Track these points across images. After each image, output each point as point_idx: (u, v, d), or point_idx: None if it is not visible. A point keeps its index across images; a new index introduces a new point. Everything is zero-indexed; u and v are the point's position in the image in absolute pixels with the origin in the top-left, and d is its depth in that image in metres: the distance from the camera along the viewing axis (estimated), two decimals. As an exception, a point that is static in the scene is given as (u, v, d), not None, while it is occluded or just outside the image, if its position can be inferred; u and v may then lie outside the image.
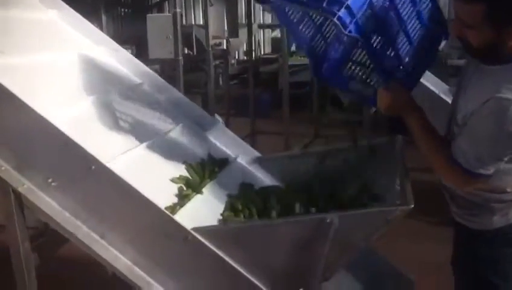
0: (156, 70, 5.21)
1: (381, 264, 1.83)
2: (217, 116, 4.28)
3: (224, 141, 2.11)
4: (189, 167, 1.82)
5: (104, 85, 1.96)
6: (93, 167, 1.42)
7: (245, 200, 1.71)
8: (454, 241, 1.65)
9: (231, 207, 1.68)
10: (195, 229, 1.39)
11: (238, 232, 1.40)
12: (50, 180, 1.47)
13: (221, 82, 7.42)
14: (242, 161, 2.05)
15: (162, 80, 2.19)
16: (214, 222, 1.62)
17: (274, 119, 5.93)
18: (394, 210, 1.26)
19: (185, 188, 1.71)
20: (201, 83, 6.48)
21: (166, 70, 5.08)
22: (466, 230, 1.55)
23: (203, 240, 1.39)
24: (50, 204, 1.48)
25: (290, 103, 5.54)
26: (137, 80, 2.13)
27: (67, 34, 2.08)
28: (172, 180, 1.73)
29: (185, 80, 7.00)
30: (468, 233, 1.55)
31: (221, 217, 1.66)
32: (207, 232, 1.38)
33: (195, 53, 7.12)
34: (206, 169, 1.83)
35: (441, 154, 1.44)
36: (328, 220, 1.26)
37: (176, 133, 1.98)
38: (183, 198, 1.65)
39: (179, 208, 1.57)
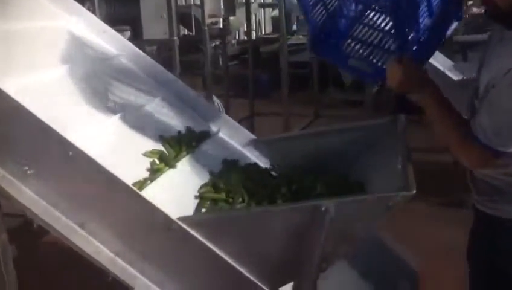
0: (152, 51, 5.12)
1: (381, 250, 1.72)
2: (215, 98, 4.18)
3: (208, 116, 1.99)
4: (164, 141, 1.71)
5: (79, 56, 1.85)
6: (70, 153, 1.32)
7: (228, 178, 1.61)
8: (471, 231, 1.52)
9: (212, 185, 1.58)
10: (181, 218, 1.29)
11: (226, 221, 1.30)
12: (26, 168, 1.37)
13: (221, 62, 7.27)
14: (225, 135, 1.94)
15: (143, 54, 2.06)
16: (188, 198, 1.52)
17: (275, 100, 5.80)
18: (395, 196, 1.15)
19: (157, 162, 1.60)
20: (201, 64, 6.35)
21: (162, 51, 4.95)
22: (486, 218, 1.42)
23: (188, 229, 1.29)
24: (27, 194, 1.38)
25: (290, 83, 5.39)
26: (115, 52, 2.01)
27: (46, 8, 1.96)
28: (145, 155, 1.61)
29: (185, 61, 6.89)
30: (488, 221, 1.42)
31: (197, 194, 1.56)
32: (192, 221, 1.29)
33: (194, 33, 6.96)
34: (182, 143, 1.71)
35: (458, 131, 1.32)
36: (323, 208, 1.15)
37: (154, 106, 1.87)
38: (154, 172, 1.55)
39: (149, 183, 1.47)
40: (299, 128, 4.49)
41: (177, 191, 1.54)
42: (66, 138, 1.31)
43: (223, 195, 1.55)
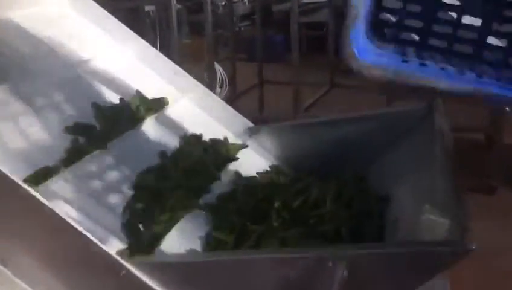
0: (151, 12, 4.67)
1: None
2: (217, 66, 3.76)
3: (175, 82, 1.55)
4: (98, 110, 1.28)
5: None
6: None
7: (184, 160, 1.22)
8: None
9: (159, 170, 1.17)
10: (134, 261, 0.92)
11: (191, 268, 0.92)
12: None
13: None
14: (192, 102, 1.52)
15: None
16: (118, 191, 1.13)
17: (288, 64, 5.36)
18: (444, 253, 0.75)
19: (82, 141, 1.19)
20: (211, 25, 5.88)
21: (162, 11, 4.51)
22: None
23: (142, 277, 0.92)
24: None
25: (306, 46, 4.89)
26: None
27: None
28: (66, 130, 1.20)
29: (193, 22, 6.41)
30: None
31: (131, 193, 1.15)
32: (147, 266, 0.91)
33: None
34: (123, 113, 1.30)
35: None
36: (330, 264, 0.76)
37: (93, 66, 1.43)
38: (73, 156, 1.13)
39: (62, 171, 1.07)
40: (313, 99, 4.06)
41: (103, 181, 1.14)
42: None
43: (168, 184, 1.15)
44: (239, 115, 1.55)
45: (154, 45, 4.19)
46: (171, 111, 1.45)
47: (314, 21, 6.18)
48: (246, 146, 1.45)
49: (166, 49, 4.00)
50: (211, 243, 1.10)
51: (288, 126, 1.62)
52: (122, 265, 0.93)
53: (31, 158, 1.05)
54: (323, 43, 5.97)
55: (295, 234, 1.08)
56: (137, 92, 1.41)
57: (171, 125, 1.40)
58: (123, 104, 1.35)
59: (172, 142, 1.35)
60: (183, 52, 4.21)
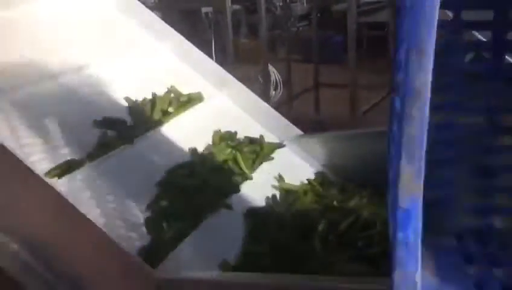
0: (209, 13, 4.67)
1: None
2: (271, 68, 3.70)
3: (215, 80, 1.50)
4: (132, 104, 1.25)
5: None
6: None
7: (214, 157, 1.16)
8: None
9: (189, 167, 1.12)
10: (169, 281, 0.87)
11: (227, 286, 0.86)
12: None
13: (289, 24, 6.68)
14: (230, 99, 1.45)
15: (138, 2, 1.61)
16: (144, 187, 1.09)
17: (346, 65, 5.22)
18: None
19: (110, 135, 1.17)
20: (269, 26, 5.85)
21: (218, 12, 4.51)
22: None
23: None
24: None
25: (367, 47, 4.72)
26: None
27: None
28: (95, 124, 1.17)
29: (250, 23, 6.40)
30: None
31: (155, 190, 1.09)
32: (181, 283, 0.86)
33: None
34: (155, 106, 1.25)
35: None
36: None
37: (127, 64, 1.41)
38: (99, 150, 1.10)
39: (86, 165, 1.04)
40: (369, 104, 3.92)
41: (127, 177, 1.09)
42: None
43: (195, 182, 1.10)
44: (281, 117, 1.48)
45: (210, 45, 4.19)
46: (207, 107, 1.40)
47: (375, 21, 5.99)
48: (283, 145, 1.38)
49: (222, 50, 3.99)
50: (244, 254, 1.04)
51: (328, 137, 1.52)
52: (156, 281, 0.88)
53: (58, 153, 1.04)
54: (384, 43, 5.78)
55: (341, 258, 0.99)
56: (172, 87, 1.38)
57: (205, 121, 1.35)
58: (156, 99, 1.31)
59: (204, 138, 1.30)
60: (240, 53, 4.18)
